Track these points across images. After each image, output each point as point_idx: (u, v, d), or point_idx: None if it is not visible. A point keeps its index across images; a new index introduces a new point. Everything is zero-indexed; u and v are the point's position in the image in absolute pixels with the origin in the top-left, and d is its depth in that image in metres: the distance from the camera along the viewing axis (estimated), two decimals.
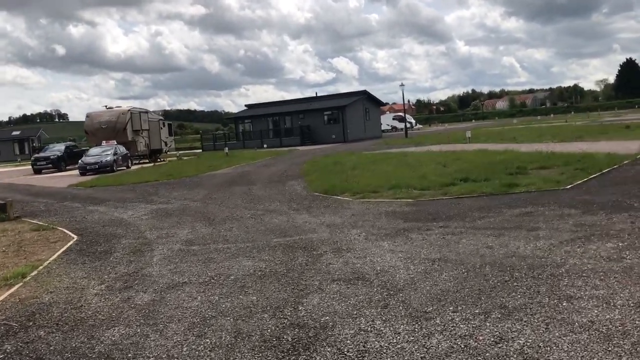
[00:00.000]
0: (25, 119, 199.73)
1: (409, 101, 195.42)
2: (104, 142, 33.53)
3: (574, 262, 5.83)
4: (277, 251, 7.46)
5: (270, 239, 8.39)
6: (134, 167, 33.45)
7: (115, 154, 31.66)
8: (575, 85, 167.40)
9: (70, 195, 18.01)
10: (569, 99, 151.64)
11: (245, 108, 63.26)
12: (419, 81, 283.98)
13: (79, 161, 31.11)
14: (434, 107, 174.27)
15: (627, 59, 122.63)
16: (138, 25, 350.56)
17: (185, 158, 41.43)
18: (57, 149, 38.56)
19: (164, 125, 42.27)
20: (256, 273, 6.33)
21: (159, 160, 40.99)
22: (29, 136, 76.03)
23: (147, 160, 38.73)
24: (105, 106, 38.52)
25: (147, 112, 39.53)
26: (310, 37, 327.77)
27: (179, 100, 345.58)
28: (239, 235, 8.81)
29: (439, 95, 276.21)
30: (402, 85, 49.96)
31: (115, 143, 33.37)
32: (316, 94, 61.14)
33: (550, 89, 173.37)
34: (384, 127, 79.08)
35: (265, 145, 51.48)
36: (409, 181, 14.04)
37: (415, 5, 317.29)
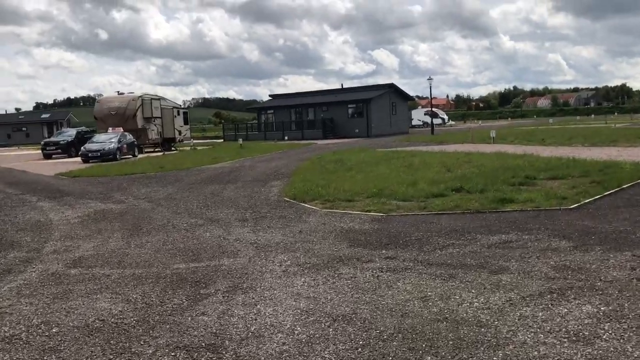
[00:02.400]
0: (69, 102, 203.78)
1: (447, 96, 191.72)
2: (110, 129, 32.53)
3: (522, 341, 3.99)
4: (158, 285, 5.80)
5: (173, 263, 6.75)
6: (141, 156, 32.39)
7: (119, 141, 30.57)
8: (623, 85, 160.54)
9: (41, 187, 16.78)
10: (615, 99, 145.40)
11: (270, 98, 61.81)
12: (461, 76, 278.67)
13: (82, 148, 30.15)
14: (474, 103, 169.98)
15: None
16: (179, 12, 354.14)
17: (199, 148, 40.20)
18: (68, 134, 37.90)
19: (178, 114, 41.11)
20: (92, 325, 4.68)
21: (172, 149, 39.95)
22: (57, 119, 76.43)
23: (160, 149, 37.66)
24: (117, 92, 37.56)
25: (159, 99, 38.35)
26: (350, 27, 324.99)
27: (219, 88, 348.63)
28: (142, 256, 7.20)
29: (481, 91, 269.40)
30: (429, 79, 47.97)
31: (122, 130, 32.30)
32: (342, 85, 59.14)
33: (596, 88, 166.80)
34: (415, 122, 76.79)
35: (286, 138, 50.05)
36: (397, 188, 12.26)
37: None
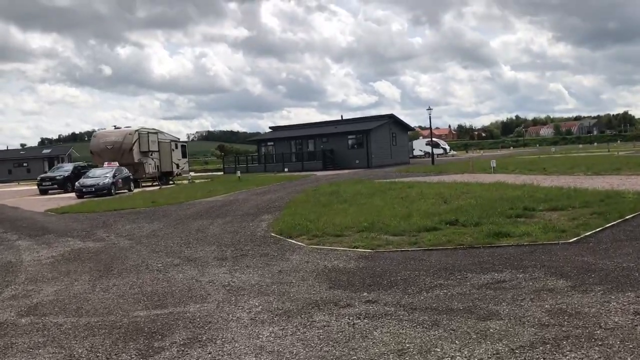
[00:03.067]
0: (73, 137, 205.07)
1: (449, 126, 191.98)
2: (106, 163, 32.20)
3: None
4: (110, 337, 5.25)
5: (134, 310, 6.19)
6: (137, 190, 31.99)
7: (114, 176, 30.18)
8: (625, 113, 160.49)
9: (26, 224, 16.30)
10: (618, 127, 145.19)
11: (270, 130, 61.70)
12: (463, 106, 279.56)
13: (76, 183, 29.77)
14: (476, 132, 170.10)
15: None
16: (183, 47, 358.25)
17: (197, 181, 39.81)
18: (65, 169, 37.64)
19: (176, 147, 40.84)
20: None
21: (170, 182, 39.59)
22: (59, 154, 76.43)
23: (157, 183, 37.26)
24: (114, 126, 37.37)
25: (156, 132, 38.13)
26: (352, 60, 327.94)
27: (222, 122, 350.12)
28: (104, 302, 6.65)
29: (483, 121, 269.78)
30: (429, 109, 47.36)
31: (118, 165, 31.97)
32: (342, 117, 59.03)
33: (598, 116, 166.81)
34: (416, 152, 76.54)
35: (286, 170, 49.70)
36: (389, 221, 11.74)
37: (460, 29, 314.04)
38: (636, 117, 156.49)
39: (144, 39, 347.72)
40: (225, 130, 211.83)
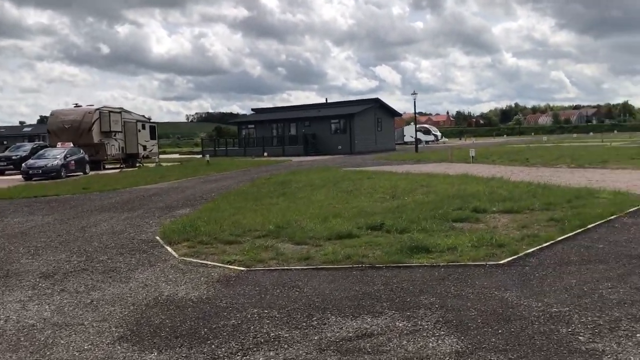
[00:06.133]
0: None
1: (447, 113, 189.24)
2: (59, 144, 30.03)
3: None
4: None
5: None
6: (94, 173, 29.86)
7: (65, 157, 28.02)
8: (625, 103, 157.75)
9: None
10: (617, 117, 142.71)
11: (252, 112, 59.40)
12: (463, 92, 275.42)
13: (23, 165, 27.63)
14: (474, 119, 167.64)
15: None
16: (181, 27, 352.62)
17: (164, 164, 37.65)
18: (24, 149, 35.57)
19: (143, 127, 38.60)
20: None
21: (138, 165, 37.44)
22: (39, 133, 74.08)
23: (121, 166, 35.16)
24: (75, 104, 35.10)
25: (120, 112, 35.86)
26: (353, 44, 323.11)
27: (222, 103, 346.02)
28: None
29: (483, 108, 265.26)
30: (414, 94, 44.95)
31: (72, 145, 29.78)
32: (326, 100, 56.68)
33: (598, 105, 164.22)
34: (407, 138, 74.34)
35: (266, 154, 47.63)
36: (306, 223, 9.74)
37: (461, 14, 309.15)
38: (636, 107, 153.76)
39: (141, 18, 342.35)
40: (224, 112, 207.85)
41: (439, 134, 74.45)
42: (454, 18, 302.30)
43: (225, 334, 4.61)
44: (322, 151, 48.23)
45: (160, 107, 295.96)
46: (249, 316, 5.04)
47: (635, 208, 10.22)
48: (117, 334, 4.71)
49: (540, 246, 7.34)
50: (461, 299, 5.28)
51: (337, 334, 4.49)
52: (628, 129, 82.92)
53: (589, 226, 8.57)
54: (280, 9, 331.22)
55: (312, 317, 4.94)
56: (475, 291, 5.50)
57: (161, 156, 54.29)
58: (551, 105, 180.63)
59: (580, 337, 4.17)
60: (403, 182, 16.75)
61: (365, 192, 14.64)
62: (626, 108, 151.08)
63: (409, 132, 76.06)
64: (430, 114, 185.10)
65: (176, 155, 62.23)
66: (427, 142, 69.67)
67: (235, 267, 6.95)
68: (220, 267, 7.04)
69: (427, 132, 72.57)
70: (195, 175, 25.55)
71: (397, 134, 69.30)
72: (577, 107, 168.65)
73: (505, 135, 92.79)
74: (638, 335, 4.17)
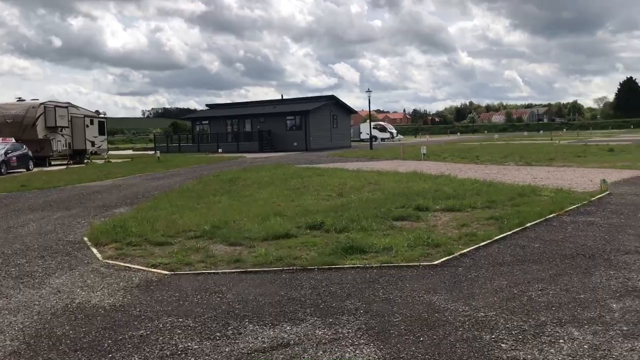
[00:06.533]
0: None
1: (404, 110, 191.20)
2: (0, 139, 28.70)
3: None
4: None
5: None
6: (38, 169, 28.68)
7: (6, 154, 26.79)
8: (575, 102, 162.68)
9: None
10: (567, 116, 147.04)
11: (207, 108, 58.42)
12: (420, 91, 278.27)
13: None
14: (430, 117, 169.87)
15: (627, 78, 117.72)
16: (137, 21, 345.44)
17: (114, 161, 36.57)
18: None
19: (92, 123, 37.34)
20: None
21: (86, 161, 36.24)
22: None
23: (68, 162, 33.92)
24: (18, 98, 33.67)
25: (67, 106, 34.60)
26: (312, 40, 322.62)
27: (179, 99, 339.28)
28: None
29: (440, 106, 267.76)
30: (368, 91, 44.91)
31: (14, 141, 28.53)
32: (282, 96, 56.22)
33: (549, 104, 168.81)
34: (363, 135, 74.43)
35: (220, 150, 46.85)
36: (245, 223, 9.47)
37: (418, 13, 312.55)
38: (585, 106, 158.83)
39: (95, 10, 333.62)
40: (182, 107, 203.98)
41: (394, 131, 74.78)
42: (411, 17, 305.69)
43: (130, 346, 4.26)
44: (277, 148, 47.76)
45: (116, 102, 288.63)
46: (160, 326, 4.69)
47: (575, 206, 10.28)
48: (10, 349, 4.30)
49: (477, 246, 7.22)
50: (388, 303, 5.06)
51: (250, 345, 4.20)
52: (576, 128, 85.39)
53: (527, 225, 8.53)
54: (238, 4, 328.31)
55: (228, 326, 4.63)
56: (404, 295, 5.29)
57: (114, 152, 52.86)
58: (504, 104, 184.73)
59: (502, 345, 4.00)
60: (352, 180, 16.58)
61: (313, 190, 14.39)
62: (575, 107, 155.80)
63: (366, 130, 76.24)
64: (388, 112, 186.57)
65: (129, 152, 60.67)
66: (383, 139, 69.88)
67: (159, 271, 6.58)
68: (143, 270, 6.65)
69: (383, 129, 72.82)
70: (143, 172, 24.81)
71: (353, 131, 69.39)
72: (529, 106, 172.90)
73: (459, 133, 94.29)
74: (561, 341, 4.02)
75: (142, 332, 4.56)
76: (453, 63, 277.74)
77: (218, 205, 12.21)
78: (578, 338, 4.06)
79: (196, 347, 4.19)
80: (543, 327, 4.32)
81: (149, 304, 5.34)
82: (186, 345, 4.23)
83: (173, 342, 4.30)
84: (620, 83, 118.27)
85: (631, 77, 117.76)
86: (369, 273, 6.11)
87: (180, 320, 4.82)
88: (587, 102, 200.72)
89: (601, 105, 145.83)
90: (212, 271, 6.49)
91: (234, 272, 6.40)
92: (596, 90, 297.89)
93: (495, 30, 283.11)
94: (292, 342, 4.23)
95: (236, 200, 13.00)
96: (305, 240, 7.94)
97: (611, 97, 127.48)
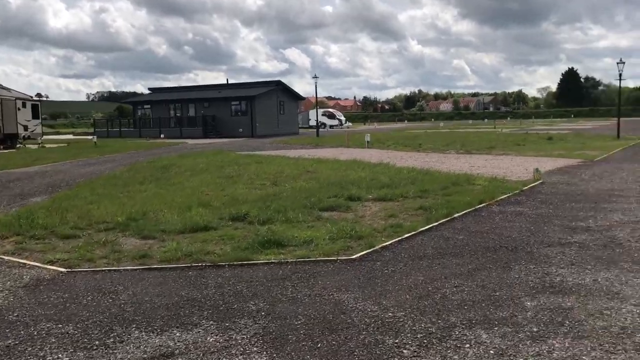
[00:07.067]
0: None
1: (354, 97, 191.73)
2: None
3: None
4: None
5: None
6: None
7: None
8: (519, 92, 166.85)
9: None
10: (512, 105, 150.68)
11: (149, 92, 56.67)
12: (371, 78, 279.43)
13: None
14: (379, 105, 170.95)
15: (568, 69, 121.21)
16: (80, 1, 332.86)
17: (48, 146, 34.90)
18: None
19: (24, 106, 35.48)
20: None
21: (18, 146, 34.41)
22: None
23: (1, 147, 32.10)
24: None
25: None
26: (262, 25, 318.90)
27: (125, 82, 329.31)
28: None
29: (390, 94, 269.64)
30: (315, 77, 44.56)
31: None
32: (227, 80, 55.14)
33: (495, 93, 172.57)
34: (312, 122, 74.01)
35: (162, 136, 45.55)
36: (164, 214, 8.92)
37: (368, 0, 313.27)
38: (529, 95, 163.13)
39: None
40: (128, 91, 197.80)
41: (343, 118, 74.63)
42: (362, 3, 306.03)
43: None
44: (222, 134, 46.77)
45: (59, 84, 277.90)
46: (35, 333, 4.17)
47: (506, 196, 10.21)
48: None
49: (400, 238, 6.96)
50: (294, 303, 4.69)
51: (130, 356, 3.74)
52: (520, 116, 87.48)
53: (455, 215, 8.34)
54: None
55: (111, 332, 4.15)
56: (314, 293, 4.94)
57: (52, 137, 50.62)
58: (452, 92, 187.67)
59: (404, 351, 3.69)
60: (290, 168, 16.18)
61: (247, 179, 13.92)
62: (520, 96, 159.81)
63: (314, 117, 75.97)
64: (339, 99, 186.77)
65: (69, 136, 58.33)
66: (331, 126, 69.77)
67: (55, 268, 6.01)
68: (39, 267, 6.07)
69: (331, 116, 72.62)
70: (76, 158, 23.67)
71: (302, 117, 68.95)
72: (475, 95, 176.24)
73: (406, 121, 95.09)
74: (467, 346, 3.74)
75: (10, 341, 4.03)
76: (403, 51, 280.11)
77: (143, 194, 11.59)
78: (485, 342, 3.79)
79: (66, 359, 3.70)
80: (451, 329, 4.04)
81: (31, 307, 4.80)
82: (55, 357, 3.74)
83: (42, 354, 3.79)
84: (562, 74, 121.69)
85: (572, 68, 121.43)
86: (283, 269, 5.73)
87: (60, 326, 4.31)
88: (532, 92, 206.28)
89: (544, 94, 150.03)
90: (113, 268, 5.96)
91: (136, 269, 5.90)
92: (540, 80, 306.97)
93: (444, 19, 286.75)
94: (177, 351, 3.80)
95: (164, 188, 12.40)
96: (224, 233, 7.49)
97: (554, 87, 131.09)
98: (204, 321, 4.34)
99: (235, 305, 4.68)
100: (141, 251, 6.61)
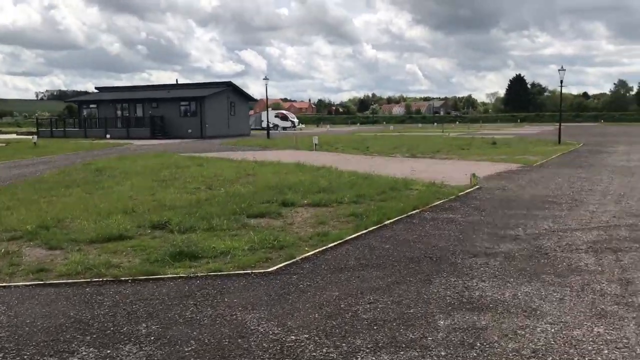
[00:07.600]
0: None
1: (309, 100, 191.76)
2: None
3: None
4: None
5: None
6: None
7: None
8: (469, 97, 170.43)
9: None
10: (462, 109, 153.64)
11: (96, 91, 54.94)
12: (326, 81, 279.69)
13: None
14: (334, 108, 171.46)
15: (516, 75, 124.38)
16: None
17: None
18: None
19: None
20: None
21: None
22: None
23: None
24: None
25: None
26: (217, 25, 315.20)
27: (76, 81, 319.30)
28: None
29: (345, 97, 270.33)
30: (265, 79, 44.03)
31: None
32: (177, 80, 54.00)
33: (446, 98, 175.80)
34: (264, 124, 73.39)
35: (108, 136, 44.15)
36: (79, 221, 8.36)
37: (324, 3, 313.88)
38: (479, 100, 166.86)
39: None
40: (79, 90, 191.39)
41: (296, 120, 74.18)
42: (317, 7, 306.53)
43: None
44: (171, 135, 45.69)
45: (6, 82, 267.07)
46: None
47: (441, 201, 10.05)
48: None
49: (324, 247, 6.63)
50: (191, 325, 4.28)
51: None
52: (469, 121, 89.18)
53: (386, 222, 8.09)
54: None
55: None
56: (216, 313, 4.54)
57: None
58: (405, 96, 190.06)
59: None
60: (230, 171, 15.72)
61: (182, 182, 13.39)
62: (470, 101, 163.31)
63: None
64: (295, 101, 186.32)
65: (12, 136, 55.90)
66: (284, 128, 69.22)
67: None
68: None
69: (284, 118, 72.09)
70: (10, 159, 22.52)
71: (255, 119, 68.22)
72: (427, 99, 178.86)
73: (359, 124, 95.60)
74: None
75: None
76: (358, 55, 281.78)
77: (66, 199, 10.94)
78: None
79: None
80: (354, 354, 3.72)
81: None
82: None
83: None
84: (510, 79, 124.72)
85: (519, 74, 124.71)
86: (190, 285, 5.31)
87: None
88: (481, 97, 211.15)
89: (493, 100, 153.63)
90: (3, 284, 5.40)
91: (29, 285, 5.37)
92: (489, 86, 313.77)
93: (398, 25, 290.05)
94: None
95: (89, 193, 11.79)
96: (138, 243, 7.00)
97: (502, 92, 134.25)
98: (83, 348, 3.88)
99: (125, 328, 4.23)
100: (41, 264, 6.06)
